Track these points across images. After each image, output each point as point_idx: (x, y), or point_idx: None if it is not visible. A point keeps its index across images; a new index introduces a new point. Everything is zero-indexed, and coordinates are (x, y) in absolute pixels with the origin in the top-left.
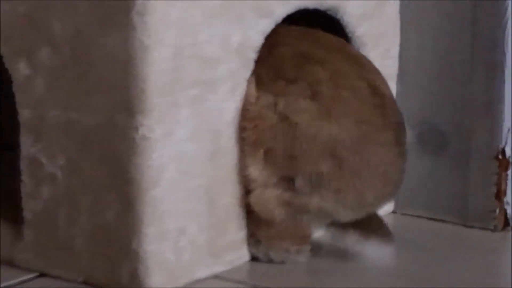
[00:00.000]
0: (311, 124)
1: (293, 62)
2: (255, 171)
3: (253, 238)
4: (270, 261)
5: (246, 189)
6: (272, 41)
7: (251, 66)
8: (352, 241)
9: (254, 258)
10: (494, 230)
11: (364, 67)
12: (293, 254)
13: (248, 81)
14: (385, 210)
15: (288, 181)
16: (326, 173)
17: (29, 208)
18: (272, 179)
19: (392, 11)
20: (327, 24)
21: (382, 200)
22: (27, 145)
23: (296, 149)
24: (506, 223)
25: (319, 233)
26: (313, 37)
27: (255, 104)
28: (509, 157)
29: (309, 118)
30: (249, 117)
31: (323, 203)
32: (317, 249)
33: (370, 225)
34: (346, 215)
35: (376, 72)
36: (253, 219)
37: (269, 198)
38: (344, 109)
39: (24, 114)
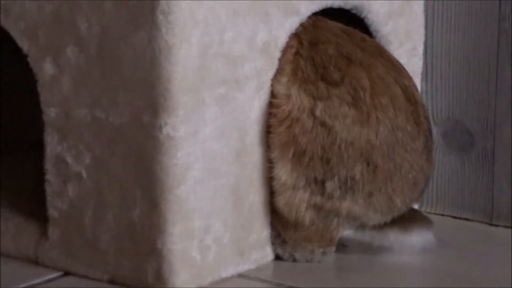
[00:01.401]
0: (349, 130)
1: (336, 63)
2: (284, 172)
3: (279, 238)
4: (294, 260)
5: (273, 190)
6: (313, 35)
7: (275, 64)
8: (394, 237)
9: (278, 257)
10: None
11: (399, 73)
12: (318, 256)
13: (276, 77)
14: None
15: (318, 184)
16: (360, 177)
17: (55, 207)
18: (301, 181)
19: (418, 9)
20: (351, 22)
21: (408, 205)
22: (52, 144)
23: (332, 153)
24: None
25: (349, 234)
26: (354, 37)
27: (287, 104)
28: None
29: (348, 124)
30: (280, 117)
31: (354, 207)
32: (346, 248)
33: (406, 217)
34: (375, 219)
35: (409, 77)
36: (279, 219)
37: (299, 201)
38: (381, 116)
39: (50, 113)
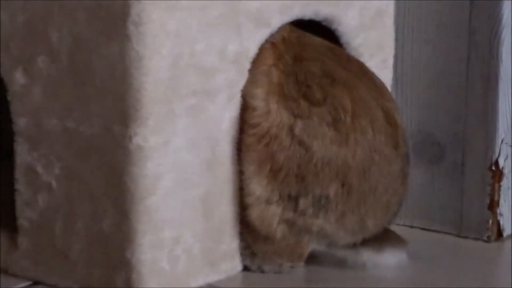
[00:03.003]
0: (327, 150)
1: (320, 82)
2: (259, 187)
3: (248, 250)
4: (262, 272)
5: (246, 203)
6: (298, 51)
7: (246, 75)
8: (367, 256)
9: (247, 268)
10: (487, 240)
11: (382, 95)
12: (286, 269)
13: (251, 90)
14: None
15: (292, 200)
16: (334, 197)
17: (25, 216)
18: (275, 196)
19: (388, 22)
20: (322, 33)
21: (380, 227)
22: (22, 154)
23: (308, 171)
24: (499, 234)
25: (323, 249)
26: (337, 55)
27: (267, 121)
28: (503, 168)
29: (326, 143)
30: (259, 135)
31: (325, 225)
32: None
33: (379, 237)
34: (345, 239)
35: (391, 99)
36: (250, 232)
37: (272, 215)
38: (360, 138)
39: (20, 122)
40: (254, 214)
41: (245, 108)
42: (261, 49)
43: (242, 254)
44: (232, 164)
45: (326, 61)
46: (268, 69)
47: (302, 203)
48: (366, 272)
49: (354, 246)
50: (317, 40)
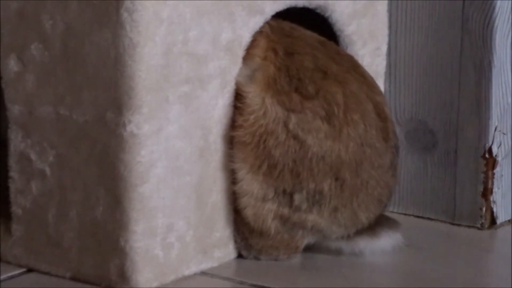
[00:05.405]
0: (321, 145)
1: (312, 76)
2: (255, 185)
3: (245, 241)
4: (258, 260)
5: (241, 203)
6: (289, 45)
7: (239, 63)
8: (363, 243)
9: (241, 255)
10: (481, 228)
11: (371, 88)
12: (282, 261)
13: (248, 84)
14: None
15: (286, 196)
16: (327, 192)
17: (19, 204)
18: (270, 192)
19: (381, 9)
20: (315, 21)
21: (371, 220)
22: (16, 141)
23: (303, 166)
24: (492, 221)
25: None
26: (329, 49)
27: (262, 117)
28: (496, 155)
29: (320, 138)
30: (254, 131)
31: (319, 220)
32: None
33: (373, 222)
34: (338, 232)
35: (380, 92)
36: (246, 226)
37: (267, 212)
38: (353, 133)
39: (14, 110)
40: (250, 211)
41: (239, 103)
42: (253, 40)
43: (238, 244)
44: (225, 152)
45: (317, 55)
46: (262, 62)
47: (297, 198)
48: (360, 259)
49: (348, 236)
50: (308, 33)
